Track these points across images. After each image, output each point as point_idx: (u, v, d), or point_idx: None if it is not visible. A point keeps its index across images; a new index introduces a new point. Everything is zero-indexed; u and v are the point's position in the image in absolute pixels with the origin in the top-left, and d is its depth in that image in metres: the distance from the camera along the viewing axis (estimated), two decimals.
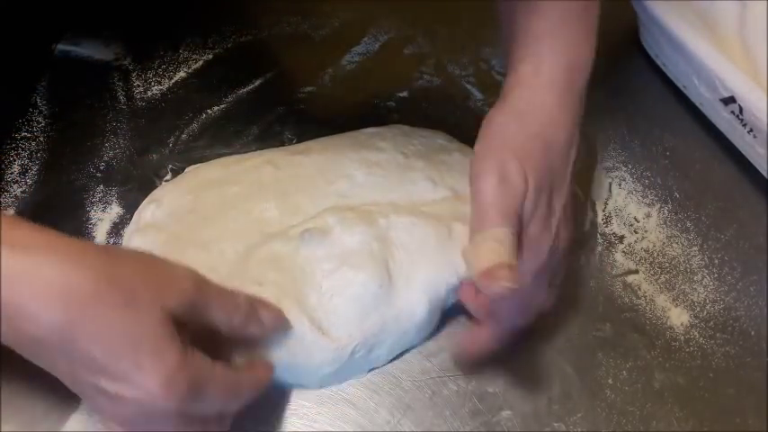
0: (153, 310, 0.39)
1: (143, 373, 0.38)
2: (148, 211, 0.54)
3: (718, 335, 0.55)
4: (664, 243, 0.59)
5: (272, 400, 0.50)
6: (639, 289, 0.57)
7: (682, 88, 0.67)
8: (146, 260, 0.42)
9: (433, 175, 0.55)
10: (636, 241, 0.59)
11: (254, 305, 0.45)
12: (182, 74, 0.64)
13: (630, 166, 0.63)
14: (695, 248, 0.59)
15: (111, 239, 0.55)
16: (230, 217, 0.53)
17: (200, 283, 0.42)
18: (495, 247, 0.44)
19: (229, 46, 0.66)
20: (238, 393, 0.44)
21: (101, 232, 0.56)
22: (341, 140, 0.59)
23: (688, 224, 0.60)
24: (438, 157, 0.57)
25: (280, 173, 0.55)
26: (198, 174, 0.56)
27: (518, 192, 0.46)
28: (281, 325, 0.47)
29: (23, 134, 0.60)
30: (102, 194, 0.58)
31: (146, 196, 0.56)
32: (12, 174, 0.58)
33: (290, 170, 0.55)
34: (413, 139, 0.59)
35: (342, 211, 0.52)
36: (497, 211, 0.45)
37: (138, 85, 0.63)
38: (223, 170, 0.56)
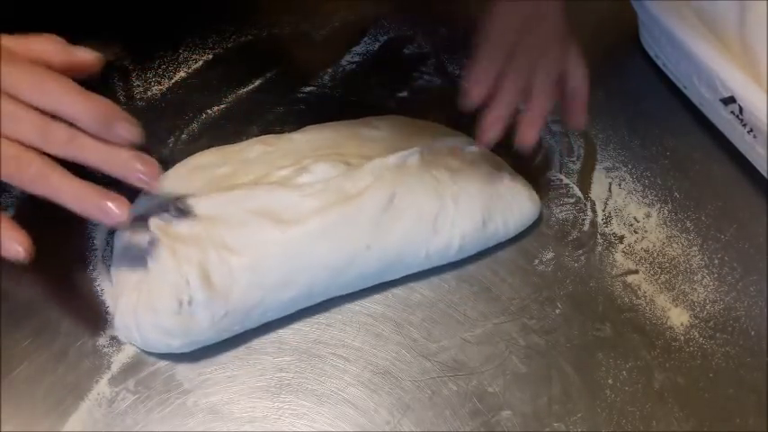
0: None
1: None
2: (140, 201, 0.54)
3: (718, 335, 0.55)
4: (664, 243, 0.59)
5: (271, 398, 0.50)
6: (639, 289, 0.57)
7: (682, 88, 0.67)
8: None
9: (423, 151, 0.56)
10: (636, 241, 0.59)
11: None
12: (182, 74, 0.64)
13: (630, 166, 0.63)
14: (695, 248, 0.59)
15: (112, 239, 0.55)
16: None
17: None
18: None
19: (229, 46, 0.66)
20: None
21: (101, 232, 0.56)
22: (339, 123, 0.60)
23: (688, 224, 0.61)
24: (434, 139, 0.58)
25: (269, 148, 0.56)
26: (189, 162, 0.56)
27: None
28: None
29: None
30: None
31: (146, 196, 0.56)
32: None
33: (280, 145, 0.56)
34: (410, 126, 0.60)
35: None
36: None
37: (138, 85, 0.63)
38: (214, 154, 0.57)
